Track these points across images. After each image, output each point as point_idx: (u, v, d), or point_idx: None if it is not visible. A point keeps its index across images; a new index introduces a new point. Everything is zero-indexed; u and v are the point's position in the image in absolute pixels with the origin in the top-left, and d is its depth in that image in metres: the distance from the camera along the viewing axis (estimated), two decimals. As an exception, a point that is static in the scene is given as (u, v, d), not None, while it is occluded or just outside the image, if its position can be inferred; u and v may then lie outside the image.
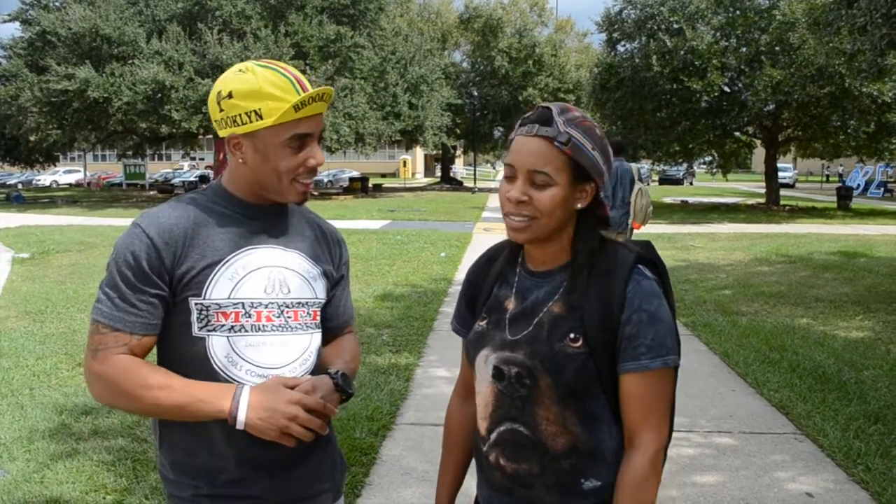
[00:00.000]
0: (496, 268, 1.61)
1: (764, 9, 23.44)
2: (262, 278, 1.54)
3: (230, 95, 1.48)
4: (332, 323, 1.75)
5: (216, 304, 1.50)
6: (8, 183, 47.08)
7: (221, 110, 1.50)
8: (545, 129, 1.38)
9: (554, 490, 1.46)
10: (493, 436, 1.51)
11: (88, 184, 48.18)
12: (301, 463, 1.60)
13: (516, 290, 1.52)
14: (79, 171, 53.92)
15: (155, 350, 1.58)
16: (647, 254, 1.49)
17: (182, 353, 1.52)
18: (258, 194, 1.57)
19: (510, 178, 1.43)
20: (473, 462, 1.67)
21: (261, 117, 1.46)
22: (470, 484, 1.71)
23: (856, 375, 5.65)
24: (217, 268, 1.51)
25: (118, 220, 20.91)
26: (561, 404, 1.43)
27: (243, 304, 1.51)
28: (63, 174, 53.20)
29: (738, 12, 23.89)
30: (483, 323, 1.56)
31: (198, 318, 1.50)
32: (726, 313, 8.02)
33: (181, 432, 1.54)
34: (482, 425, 1.55)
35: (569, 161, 1.38)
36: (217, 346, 1.51)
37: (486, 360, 1.51)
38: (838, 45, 15.67)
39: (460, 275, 10.75)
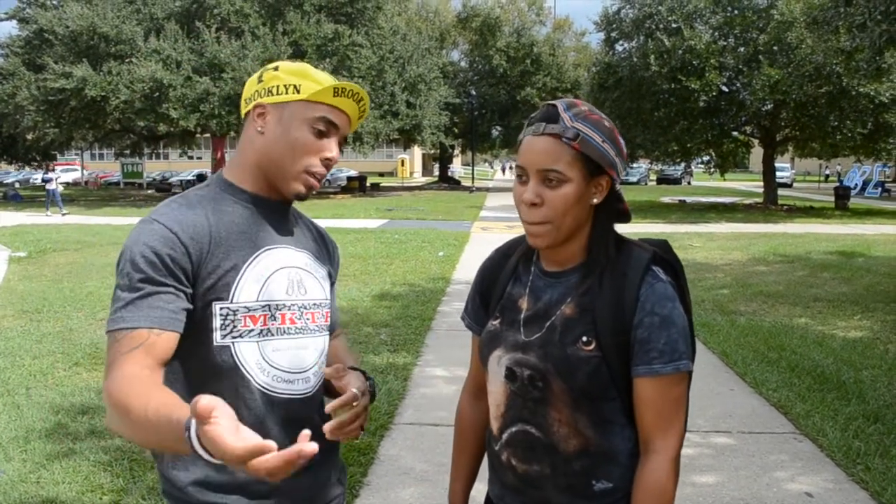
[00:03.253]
0: (510, 264, 1.58)
1: (762, 8, 23.48)
2: (283, 279, 1.48)
3: (276, 69, 1.47)
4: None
5: (245, 307, 1.41)
6: (5, 182, 46.95)
7: (260, 81, 1.48)
8: (552, 127, 1.35)
9: (565, 491, 1.45)
10: (505, 436, 1.49)
11: (86, 182, 48.11)
12: (318, 468, 1.56)
13: (530, 290, 1.50)
14: (76, 169, 53.83)
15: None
16: (663, 254, 1.46)
17: (203, 366, 1.40)
18: (264, 181, 1.49)
19: (522, 180, 1.40)
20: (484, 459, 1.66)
21: (298, 91, 1.44)
22: (480, 480, 1.70)
23: (855, 375, 5.64)
24: (243, 269, 1.42)
25: (116, 219, 20.86)
26: (573, 407, 1.41)
27: (269, 306, 1.44)
28: (60, 173, 53.04)
29: (736, 12, 23.94)
30: (496, 322, 1.53)
31: (221, 325, 1.40)
32: (724, 313, 8.02)
33: None
34: (494, 425, 1.53)
35: (579, 156, 1.35)
36: (247, 353, 1.42)
37: (498, 361, 1.49)
38: (836, 43, 15.68)
39: (458, 274, 10.75)
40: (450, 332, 7.08)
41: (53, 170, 24.37)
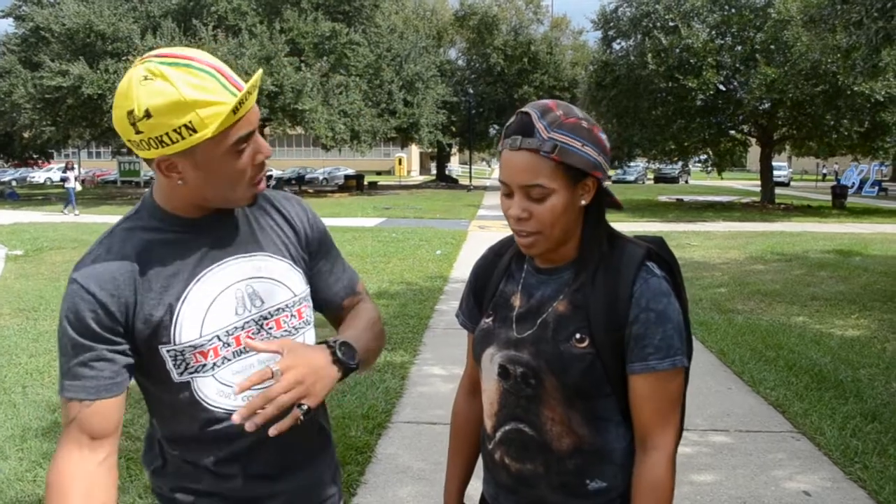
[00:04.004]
0: (503, 262, 1.56)
1: (759, 7, 23.48)
2: (229, 300, 1.38)
3: (148, 115, 1.18)
4: (328, 296, 1.58)
5: (190, 346, 1.34)
6: (1, 180, 46.89)
7: (139, 132, 1.21)
8: (529, 141, 1.31)
9: (558, 490, 1.44)
10: (499, 434, 1.49)
11: (83, 181, 48.01)
12: (311, 467, 1.55)
13: (522, 287, 1.49)
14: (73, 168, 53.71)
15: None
16: (657, 250, 1.45)
17: (169, 401, 1.39)
18: (202, 207, 1.37)
19: (507, 193, 1.38)
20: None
21: (194, 130, 1.20)
22: (470, 485, 1.69)
23: (852, 374, 5.64)
24: (178, 307, 1.33)
25: (112, 218, 20.81)
26: (567, 405, 1.40)
27: (218, 336, 1.36)
28: (57, 171, 53.00)
29: (733, 10, 23.94)
30: (489, 320, 1.52)
31: (175, 365, 1.35)
32: (722, 311, 8.02)
33: (181, 463, 1.46)
34: (488, 423, 1.52)
35: (560, 166, 1.32)
36: (205, 388, 1.37)
37: (491, 359, 1.48)
38: (833, 41, 15.66)
39: (456, 272, 10.74)
40: (447, 330, 7.07)
41: (72, 168, 23.95)
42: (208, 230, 1.39)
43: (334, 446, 1.68)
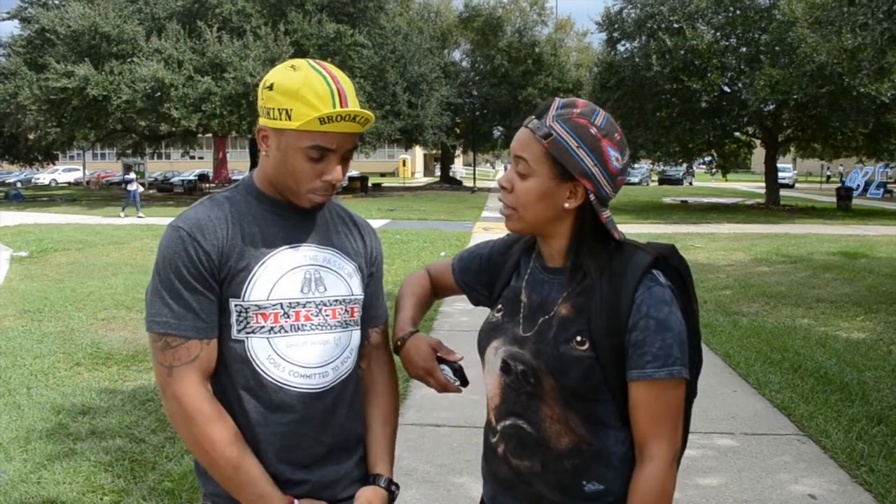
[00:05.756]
0: (514, 255, 1.60)
1: (764, 8, 23.45)
2: (298, 278, 1.54)
3: (272, 87, 1.46)
4: (363, 317, 1.71)
5: (255, 305, 1.49)
6: (7, 181, 47.00)
7: (264, 98, 1.49)
8: (534, 122, 1.39)
9: (555, 489, 1.44)
10: (500, 428, 1.51)
11: (88, 182, 48.15)
12: (336, 463, 1.61)
13: (531, 285, 1.50)
14: (78, 169, 53.90)
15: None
16: (668, 258, 1.43)
17: (223, 356, 1.51)
18: (279, 191, 1.56)
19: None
20: (479, 465, 1.64)
21: (289, 118, 1.44)
22: (474, 486, 1.68)
23: (858, 376, 5.62)
24: (255, 268, 1.50)
25: (117, 220, 20.88)
26: (564, 405, 1.40)
27: (282, 304, 1.51)
28: (62, 172, 53.16)
29: (738, 12, 23.92)
30: (499, 315, 1.54)
31: (237, 321, 1.49)
32: (727, 314, 8.00)
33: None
34: (491, 416, 1.54)
35: (547, 155, 1.37)
36: (257, 349, 1.50)
37: (495, 352, 1.50)
38: (839, 43, 15.60)
39: (460, 274, 10.72)
40: (452, 332, 7.06)
41: (133, 171, 23.47)
42: (292, 215, 1.57)
43: (364, 448, 1.71)
